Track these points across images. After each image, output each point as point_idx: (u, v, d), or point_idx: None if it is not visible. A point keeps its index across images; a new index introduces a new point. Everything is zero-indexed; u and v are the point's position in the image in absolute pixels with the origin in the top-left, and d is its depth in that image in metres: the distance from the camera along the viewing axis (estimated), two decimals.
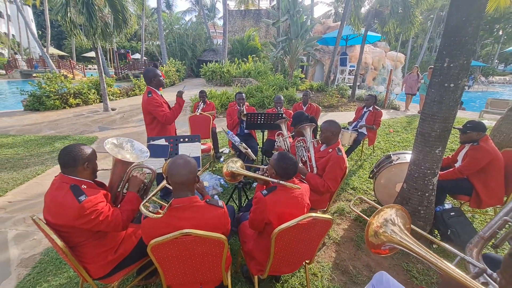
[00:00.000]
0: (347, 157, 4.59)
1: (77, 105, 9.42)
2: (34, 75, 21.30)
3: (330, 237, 2.68)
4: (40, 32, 33.18)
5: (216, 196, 3.42)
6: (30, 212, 3.17)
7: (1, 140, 5.73)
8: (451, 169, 2.79)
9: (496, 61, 37.85)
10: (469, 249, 1.53)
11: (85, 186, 1.55)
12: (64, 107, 9.07)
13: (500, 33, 32.90)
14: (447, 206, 2.71)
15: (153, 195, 1.53)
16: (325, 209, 2.58)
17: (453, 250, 1.10)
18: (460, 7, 2.11)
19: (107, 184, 1.87)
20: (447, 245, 1.15)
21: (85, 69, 24.68)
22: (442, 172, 2.73)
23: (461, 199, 2.83)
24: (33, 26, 29.51)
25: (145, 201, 1.46)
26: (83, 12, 7.09)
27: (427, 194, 2.52)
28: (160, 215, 1.41)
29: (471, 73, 31.17)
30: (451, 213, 2.62)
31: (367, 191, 3.63)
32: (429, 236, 1.25)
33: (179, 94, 3.14)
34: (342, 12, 11.25)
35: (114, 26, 7.81)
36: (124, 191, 1.93)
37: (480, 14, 2.08)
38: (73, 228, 1.50)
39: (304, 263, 1.95)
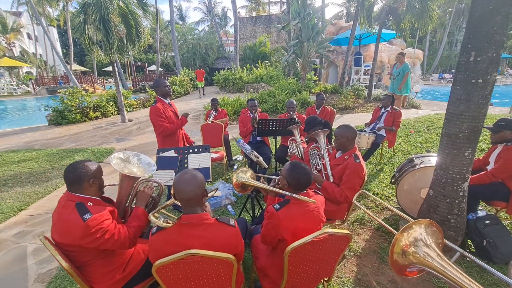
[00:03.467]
0: (365, 161, 4.38)
1: (97, 117, 9.79)
2: (59, 91, 22.54)
3: (350, 249, 2.51)
4: (64, 51, 35.22)
5: (229, 206, 3.33)
6: (49, 225, 3.22)
7: (26, 155, 6.00)
8: (483, 172, 2.54)
9: None
10: None
11: (91, 203, 1.52)
12: (85, 120, 9.45)
13: None
14: (481, 213, 2.46)
15: (161, 208, 1.47)
16: (343, 219, 2.41)
17: (502, 276, 0.93)
18: None
19: (115, 200, 1.84)
20: (495, 271, 0.98)
21: (105, 82, 25.86)
22: (473, 176, 2.49)
23: (497, 206, 2.56)
24: (57, 45, 31.40)
25: (154, 211, 1.40)
26: (100, 28, 7.39)
27: (457, 201, 2.29)
28: (170, 224, 1.35)
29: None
30: (486, 221, 2.37)
31: (389, 197, 3.40)
32: (470, 255, 1.07)
33: (185, 115, 3.34)
34: (354, 11, 10.99)
35: (128, 40, 8.07)
36: (133, 205, 1.89)
37: (509, 1, 1.87)
38: (79, 247, 1.46)
39: (322, 280, 1.81)
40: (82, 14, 7.43)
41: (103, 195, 1.70)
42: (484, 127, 2.57)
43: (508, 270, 1.36)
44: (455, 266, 0.92)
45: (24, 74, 30.34)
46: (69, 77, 19.90)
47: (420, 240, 0.99)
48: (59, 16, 27.86)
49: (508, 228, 2.67)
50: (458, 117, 2.16)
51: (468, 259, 2.26)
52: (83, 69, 33.93)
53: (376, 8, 10.72)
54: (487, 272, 2.05)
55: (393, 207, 3.18)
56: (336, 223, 2.49)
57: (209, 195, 1.66)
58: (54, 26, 30.34)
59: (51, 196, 4.02)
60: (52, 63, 32.01)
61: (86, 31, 7.50)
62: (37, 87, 23.73)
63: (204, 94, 14.91)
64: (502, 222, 2.46)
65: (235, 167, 4.63)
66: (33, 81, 24.36)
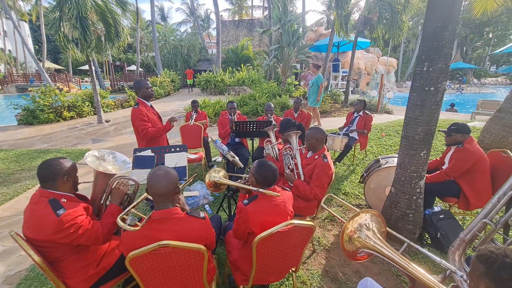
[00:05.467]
0: (339, 162, 4.62)
1: (71, 118, 9.42)
2: (30, 89, 21.33)
3: (320, 244, 2.67)
4: (36, 47, 33.41)
5: (207, 206, 3.40)
6: (18, 227, 3.09)
7: None
8: (438, 171, 2.80)
9: (488, 63, 38.54)
10: (451, 252, 1.53)
11: (65, 200, 1.54)
12: (58, 120, 9.06)
13: (490, 35, 33.64)
14: (436, 209, 2.71)
15: (131, 208, 1.52)
16: (313, 216, 2.57)
17: (426, 252, 1.10)
18: (436, 12, 2.16)
19: (90, 197, 1.87)
20: (420, 247, 1.15)
21: (81, 82, 24.79)
22: (429, 175, 2.74)
23: (450, 202, 2.83)
24: (29, 41, 29.76)
25: (122, 214, 1.45)
26: (77, 26, 7.18)
27: (414, 197, 2.52)
28: (138, 228, 1.40)
29: (461, 75, 31.57)
30: (440, 216, 2.62)
31: (358, 195, 3.62)
32: (402, 237, 1.24)
33: (171, 120, 3.15)
34: (333, 19, 11.46)
35: (107, 39, 7.90)
36: (108, 203, 1.92)
37: (455, 19, 2.13)
38: (52, 242, 1.48)
39: (290, 271, 1.93)
40: (58, 11, 7.18)
41: (77, 192, 1.72)
42: (439, 131, 2.86)
43: (447, 255, 1.55)
44: (390, 246, 1.07)
45: None
46: (41, 75, 18.93)
47: (363, 225, 1.13)
48: (32, 10, 26.47)
49: (461, 221, 2.96)
50: (414, 121, 2.39)
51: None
52: (57, 67, 32.39)
53: (352, 18, 11.23)
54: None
55: (362, 205, 3.40)
56: (307, 219, 2.64)
57: (185, 194, 1.73)
58: (25, 21, 28.73)
59: (21, 197, 3.87)
60: (23, 59, 30.30)
61: (62, 28, 7.25)
62: (5, 85, 22.33)
63: (192, 90, 16.89)
64: (455, 216, 2.73)
65: (214, 168, 4.69)
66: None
